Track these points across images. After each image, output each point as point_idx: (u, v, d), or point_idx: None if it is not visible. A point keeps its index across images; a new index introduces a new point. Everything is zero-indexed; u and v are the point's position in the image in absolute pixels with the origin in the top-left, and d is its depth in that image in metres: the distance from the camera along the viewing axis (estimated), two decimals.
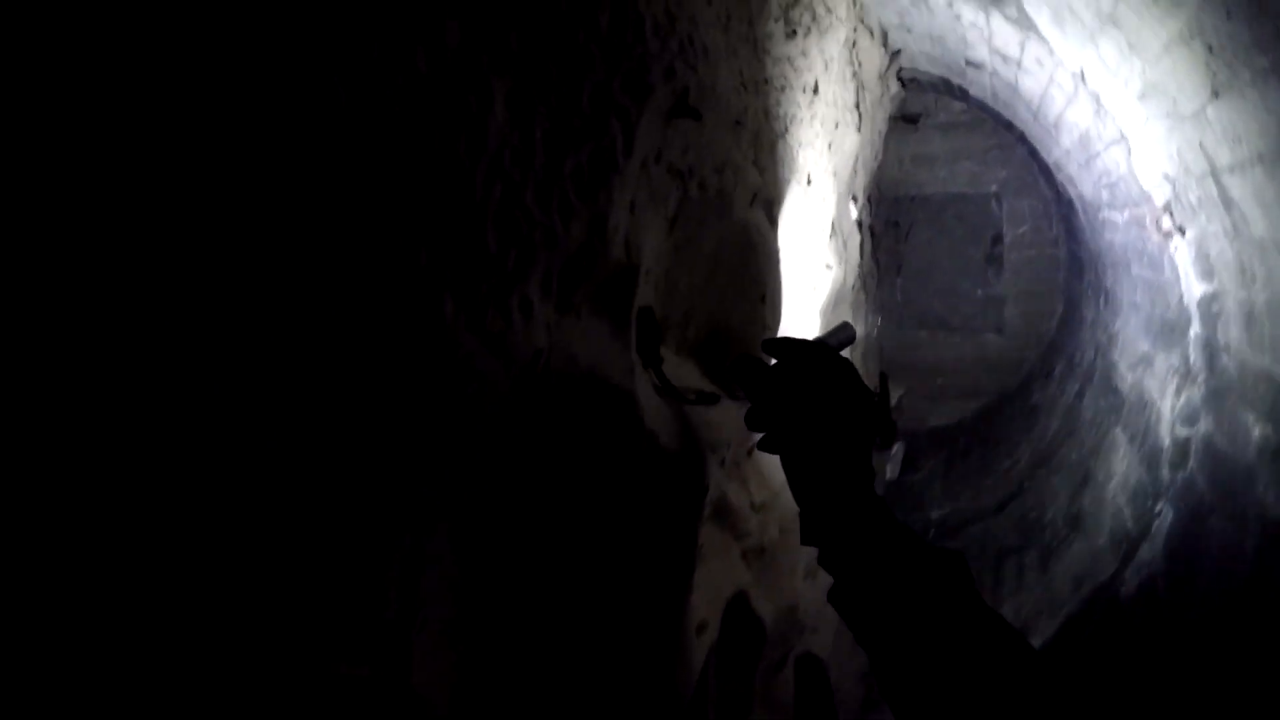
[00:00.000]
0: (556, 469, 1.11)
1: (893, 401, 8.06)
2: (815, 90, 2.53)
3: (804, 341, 1.44)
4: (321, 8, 0.73)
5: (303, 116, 0.73)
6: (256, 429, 0.70)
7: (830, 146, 3.06)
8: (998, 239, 8.08)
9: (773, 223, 1.91)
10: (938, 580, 1.16)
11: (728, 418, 1.64)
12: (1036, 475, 6.37)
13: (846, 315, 5.10)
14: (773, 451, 1.40)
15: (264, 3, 0.67)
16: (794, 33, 2.10)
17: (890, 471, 7.67)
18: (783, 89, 2.05)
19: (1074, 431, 6.05)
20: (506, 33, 0.95)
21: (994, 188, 7.95)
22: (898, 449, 7.85)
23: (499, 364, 0.99)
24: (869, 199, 5.87)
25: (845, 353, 1.52)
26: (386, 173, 0.83)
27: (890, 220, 8.30)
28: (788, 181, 2.12)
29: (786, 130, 2.11)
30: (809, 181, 2.54)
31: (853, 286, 4.51)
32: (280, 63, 0.70)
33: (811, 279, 2.81)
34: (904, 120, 7.74)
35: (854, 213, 5.03)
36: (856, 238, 4.75)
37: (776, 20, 1.94)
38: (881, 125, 5.81)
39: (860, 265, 5.10)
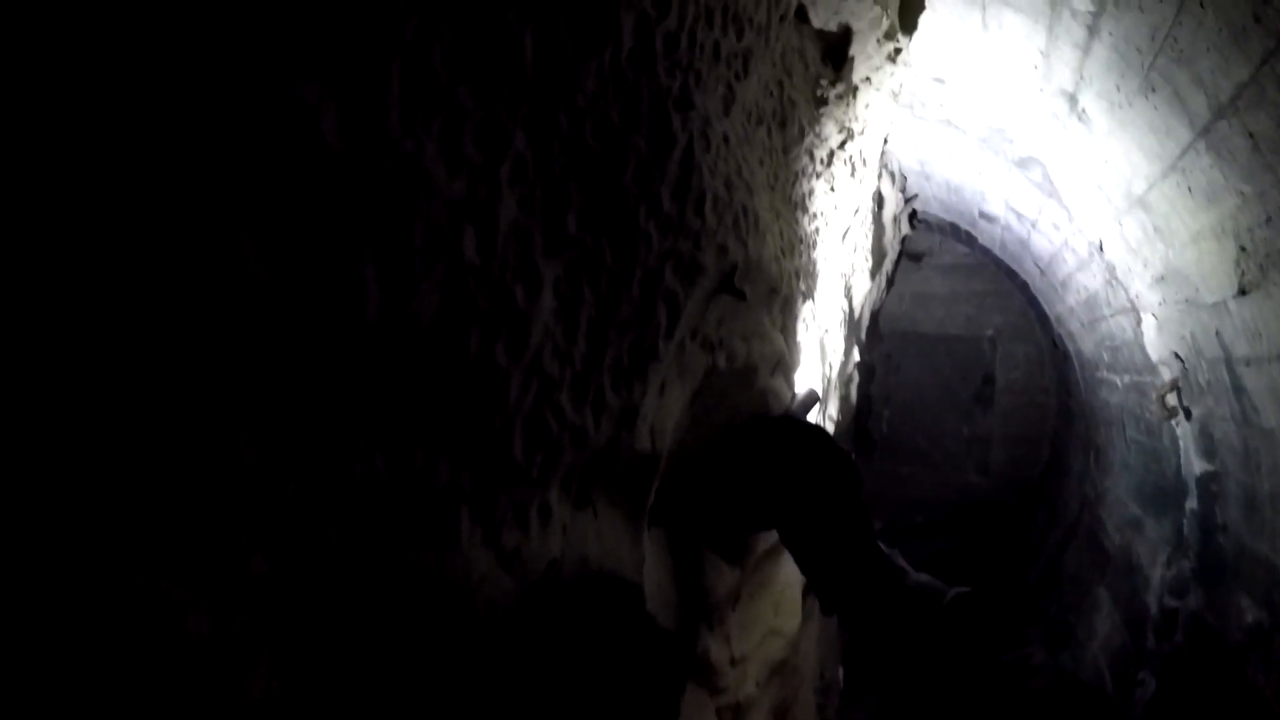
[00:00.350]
0: (555, 679, 0.98)
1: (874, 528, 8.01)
2: (844, 239, 2.60)
3: (765, 423, 1.47)
4: (355, 182, 0.60)
5: (325, 326, 0.60)
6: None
7: (847, 292, 3.12)
8: (989, 379, 8.03)
9: (790, 386, 1.93)
10: (956, 630, 1.21)
11: (722, 580, 1.62)
12: (1013, 624, 6.31)
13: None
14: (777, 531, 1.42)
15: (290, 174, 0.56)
16: (833, 189, 2.16)
17: None
18: (814, 245, 2.09)
19: (1056, 584, 6.02)
20: (563, 211, 0.82)
21: (990, 332, 7.98)
22: None
23: (512, 581, 0.87)
24: (868, 337, 5.94)
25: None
26: (412, 383, 0.70)
27: (884, 354, 8.33)
28: (806, 342, 2.15)
29: (812, 290, 2.16)
30: (825, 332, 2.58)
31: (847, 430, 4.53)
32: (307, 246, 0.58)
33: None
34: (909, 258, 7.86)
35: (856, 356, 5.08)
36: (855, 379, 4.80)
37: (818, 176, 1.99)
38: (890, 266, 5.95)
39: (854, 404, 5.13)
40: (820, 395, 2.58)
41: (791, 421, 1.48)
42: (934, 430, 8.34)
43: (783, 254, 1.66)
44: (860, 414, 7.55)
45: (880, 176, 4.22)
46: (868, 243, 3.90)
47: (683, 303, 1.03)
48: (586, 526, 1.00)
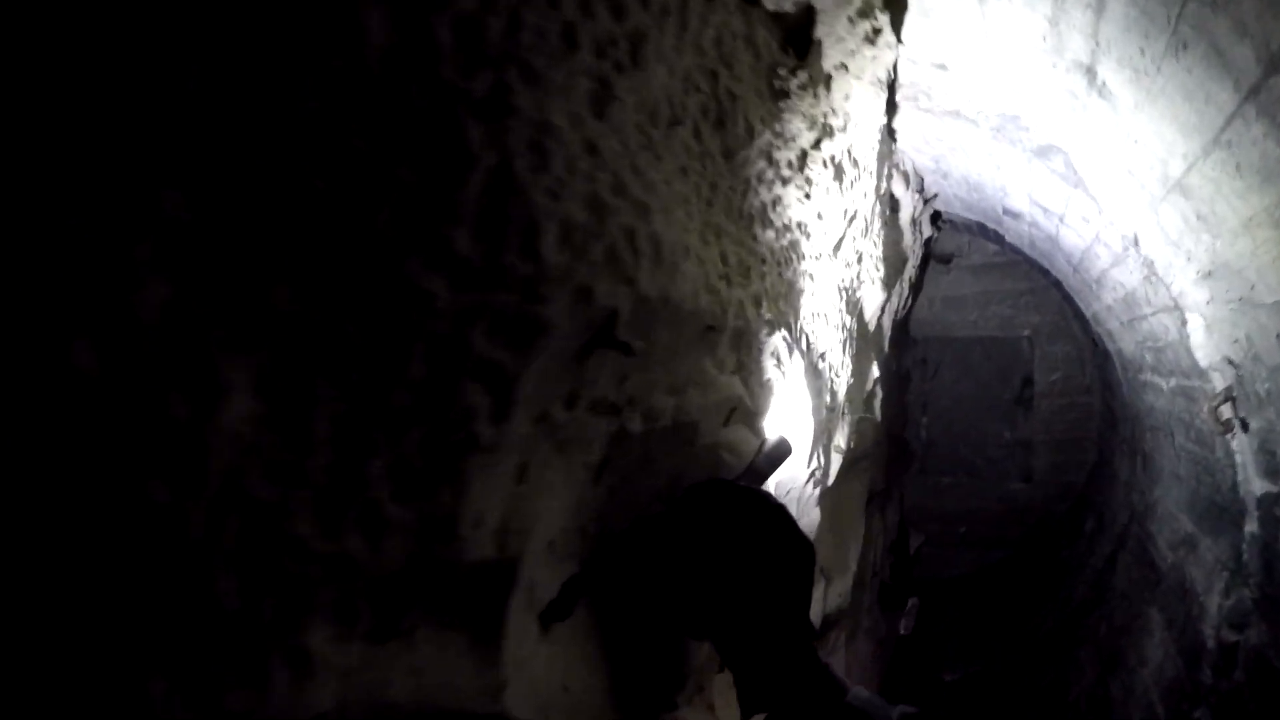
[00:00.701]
0: None
1: (911, 551, 7.70)
2: (837, 250, 2.29)
3: (716, 488, 1.26)
4: None
5: None
6: None
7: (853, 307, 2.82)
8: (1028, 381, 7.75)
9: (758, 434, 1.63)
10: None
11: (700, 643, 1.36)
12: (1061, 643, 5.95)
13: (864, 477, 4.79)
14: (689, 630, 1.21)
15: None
16: (809, 195, 1.86)
17: (904, 627, 7.24)
18: (787, 262, 1.79)
19: (1104, 601, 5.65)
20: (265, 282, 0.60)
21: (1026, 332, 7.67)
22: (913, 604, 7.43)
23: None
24: (895, 346, 5.65)
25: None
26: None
27: (919, 359, 8.01)
28: (785, 377, 1.84)
29: (789, 315, 1.85)
30: (821, 357, 2.27)
31: (872, 452, 4.22)
32: None
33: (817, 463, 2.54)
34: (937, 260, 7.57)
35: (876, 371, 4.78)
36: (880, 395, 4.48)
37: (786, 182, 1.69)
38: (913, 272, 5.62)
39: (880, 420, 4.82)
40: (811, 433, 2.26)
41: (729, 493, 1.23)
42: (974, 436, 8.07)
43: (727, 280, 1.37)
44: (895, 424, 7.43)
45: (888, 177, 3.91)
46: (878, 250, 3.60)
47: (514, 373, 0.75)
48: (394, 661, 0.78)
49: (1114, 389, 6.12)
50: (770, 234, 1.69)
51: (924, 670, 6.70)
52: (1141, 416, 5.17)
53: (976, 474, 8.05)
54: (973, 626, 7.20)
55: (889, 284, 4.02)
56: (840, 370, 2.88)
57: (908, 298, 5.67)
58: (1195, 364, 3.10)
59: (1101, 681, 4.92)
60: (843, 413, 3.11)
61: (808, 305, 2.12)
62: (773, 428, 1.73)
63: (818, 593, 3.30)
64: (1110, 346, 5.40)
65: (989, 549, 7.76)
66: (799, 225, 1.86)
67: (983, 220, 5.42)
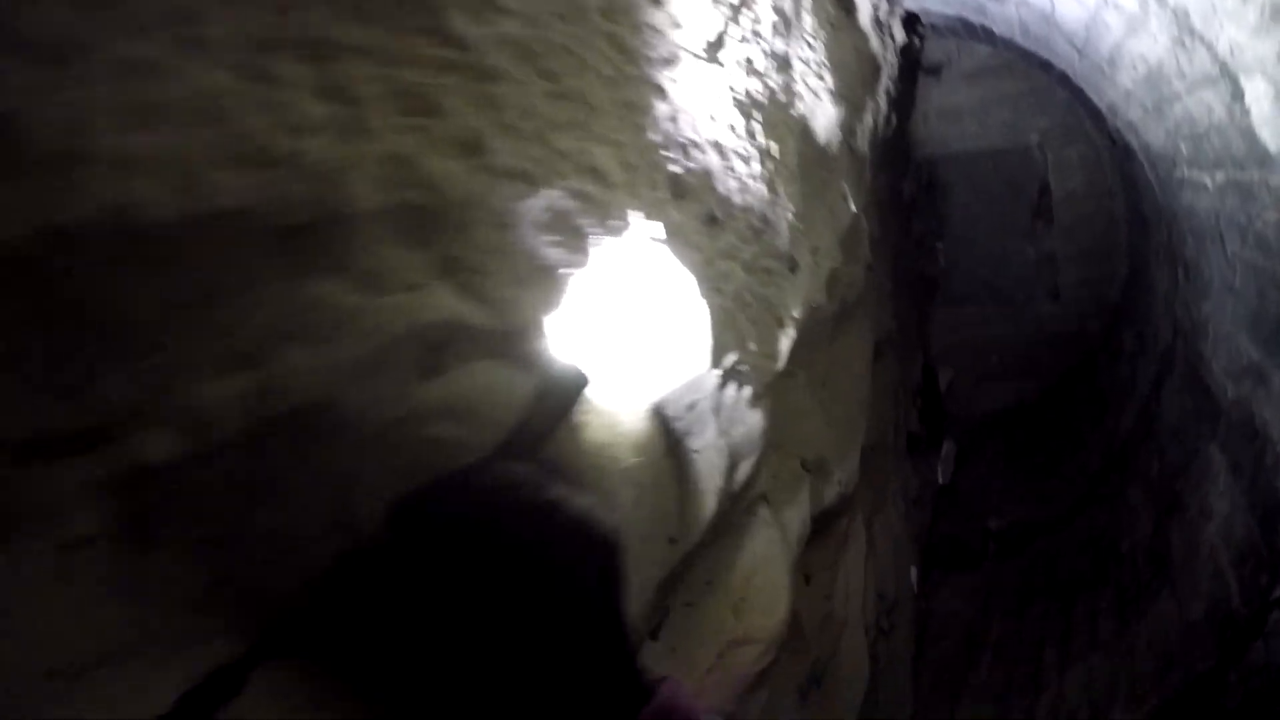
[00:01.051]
0: None
1: (941, 388, 7.17)
2: (714, 50, 1.49)
3: (425, 505, 0.81)
4: None
5: None
6: None
7: (772, 130, 2.05)
8: (1044, 190, 7.17)
9: (526, 364, 0.93)
10: None
11: None
12: (1110, 481, 5.33)
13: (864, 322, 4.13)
14: None
15: None
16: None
17: (942, 475, 6.80)
18: (572, 71, 1.01)
19: (1152, 434, 4.99)
20: None
21: (1035, 138, 7.03)
22: (948, 448, 6.94)
23: None
24: (885, 170, 4.92)
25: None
26: None
27: (923, 183, 7.48)
28: (600, 247, 1.07)
29: (597, 154, 1.07)
30: (716, 202, 1.53)
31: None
32: None
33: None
34: (926, 73, 6.78)
35: (852, 206, 4.00)
36: (865, 230, 3.75)
37: None
38: (890, 85, 4.75)
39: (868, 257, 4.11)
40: (708, 318, 1.57)
41: (448, 509, 0.80)
42: (995, 256, 7.69)
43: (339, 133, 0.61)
44: (907, 257, 6.87)
45: None
46: (815, 54, 2.78)
47: None
48: None
49: (1142, 191, 5.47)
50: (485, 28, 0.91)
51: (967, 520, 6.27)
52: (1179, 220, 4.41)
53: (1002, 298, 7.60)
54: (1015, 469, 6.71)
55: (846, 97, 3.23)
56: (769, 213, 2.14)
57: (889, 114, 4.89)
58: (1256, 149, 2.27)
59: (1160, 532, 4.27)
60: (792, 267, 2.40)
61: (666, 130, 1.35)
62: (579, 341, 1.02)
63: (806, 492, 2.77)
64: (1133, 141, 4.63)
65: (1024, 379, 7.37)
66: (601, 11, 1.07)
67: (963, 14, 4.52)
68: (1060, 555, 5.29)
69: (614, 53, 1.18)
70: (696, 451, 1.77)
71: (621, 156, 1.18)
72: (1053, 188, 7.13)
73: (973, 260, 7.70)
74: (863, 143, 4.26)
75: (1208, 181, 3.28)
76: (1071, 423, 6.53)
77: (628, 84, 1.21)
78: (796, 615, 2.81)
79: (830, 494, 3.64)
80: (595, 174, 1.09)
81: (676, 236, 1.37)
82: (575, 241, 1.04)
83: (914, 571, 5.51)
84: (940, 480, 6.81)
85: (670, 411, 1.60)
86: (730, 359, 1.81)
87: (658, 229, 1.29)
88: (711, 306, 1.57)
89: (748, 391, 1.99)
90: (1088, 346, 7.03)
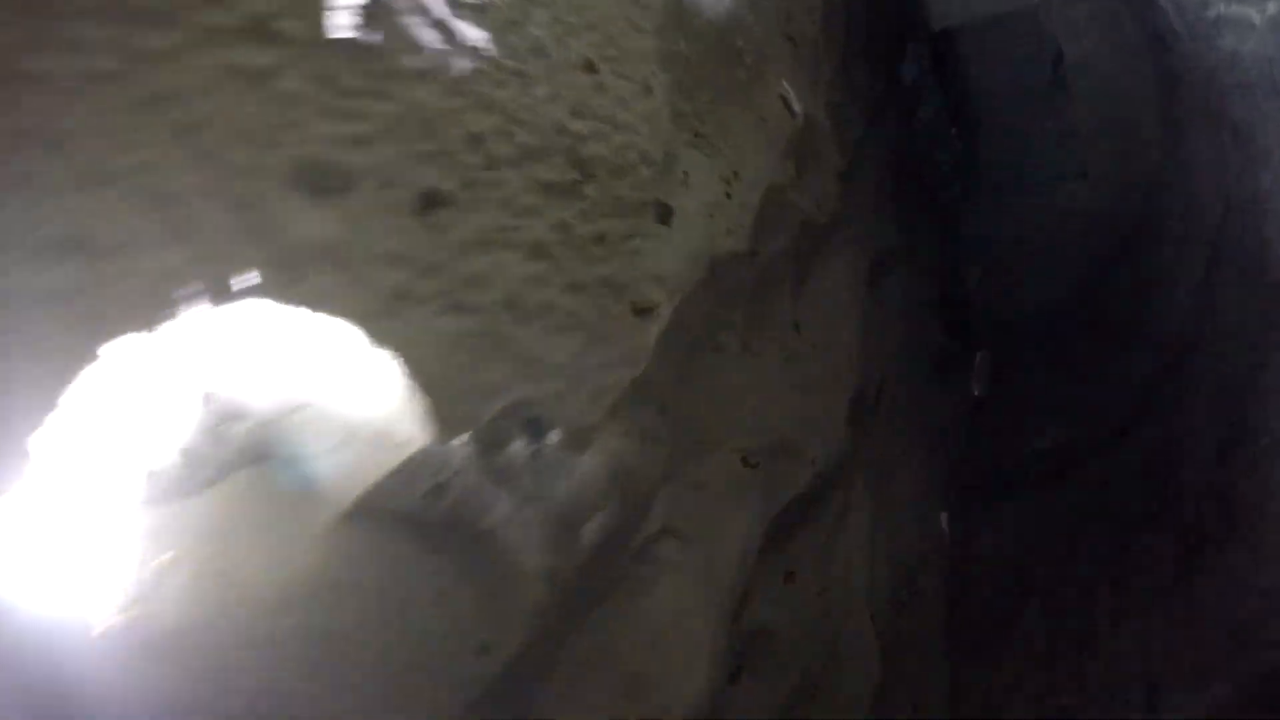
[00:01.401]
0: None
1: (970, 285, 6.61)
2: None
3: None
4: None
5: None
6: None
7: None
8: (1057, 56, 6.66)
9: None
10: None
11: None
12: (1165, 389, 4.64)
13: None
14: None
15: None
16: None
17: (977, 389, 6.37)
18: None
19: (1210, 328, 4.28)
20: None
21: None
22: (981, 359, 6.50)
23: None
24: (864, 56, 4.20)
25: None
26: None
27: (926, 67, 7.28)
28: None
29: None
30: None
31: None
32: None
33: None
34: None
35: (797, 106, 3.33)
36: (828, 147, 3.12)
37: None
38: None
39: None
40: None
41: None
42: (1014, 134, 7.16)
43: None
44: (919, 144, 6.67)
45: None
46: None
47: None
48: None
49: (1168, 40, 4.78)
50: None
51: (1008, 443, 5.71)
52: (1219, 70, 3.63)
53: (1026, 183, 7.18)
54: (1056, 378, 6.06)
55: None
56: (601, 149, 1.53)
57: None
58: None
59: (1224, 457, 3.53)
60: (662, 216, 1.81)
61: None
62: None
63: (756, 494, 2.53)
64: None
65: (1058, 272, 6.73)
66: None
67: None
68: (1115, 483, 4.66)
69: None
70: (487, 532, 1.34)
71: None
72: (1065, 52, 6.59)
73: (992, 140, 7.33)
74: (810, 28, 3.46)
75: (1253, 15, 2.50)
76: (1115, 321, 5.89)
77: None
78: (770, 633, 2.51)
79: (804, 477, 2.99)
80: None
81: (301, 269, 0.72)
82: None
83: (944, 518, 4.87)
84: (976, 393, 6.19)
85: (395, 506, 1.04)
86: (500, 403, 1.20)
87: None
88: (417, 350, 0.95)
89: (557, 434, 1.37)
90: (1126, 232, 6.35)
